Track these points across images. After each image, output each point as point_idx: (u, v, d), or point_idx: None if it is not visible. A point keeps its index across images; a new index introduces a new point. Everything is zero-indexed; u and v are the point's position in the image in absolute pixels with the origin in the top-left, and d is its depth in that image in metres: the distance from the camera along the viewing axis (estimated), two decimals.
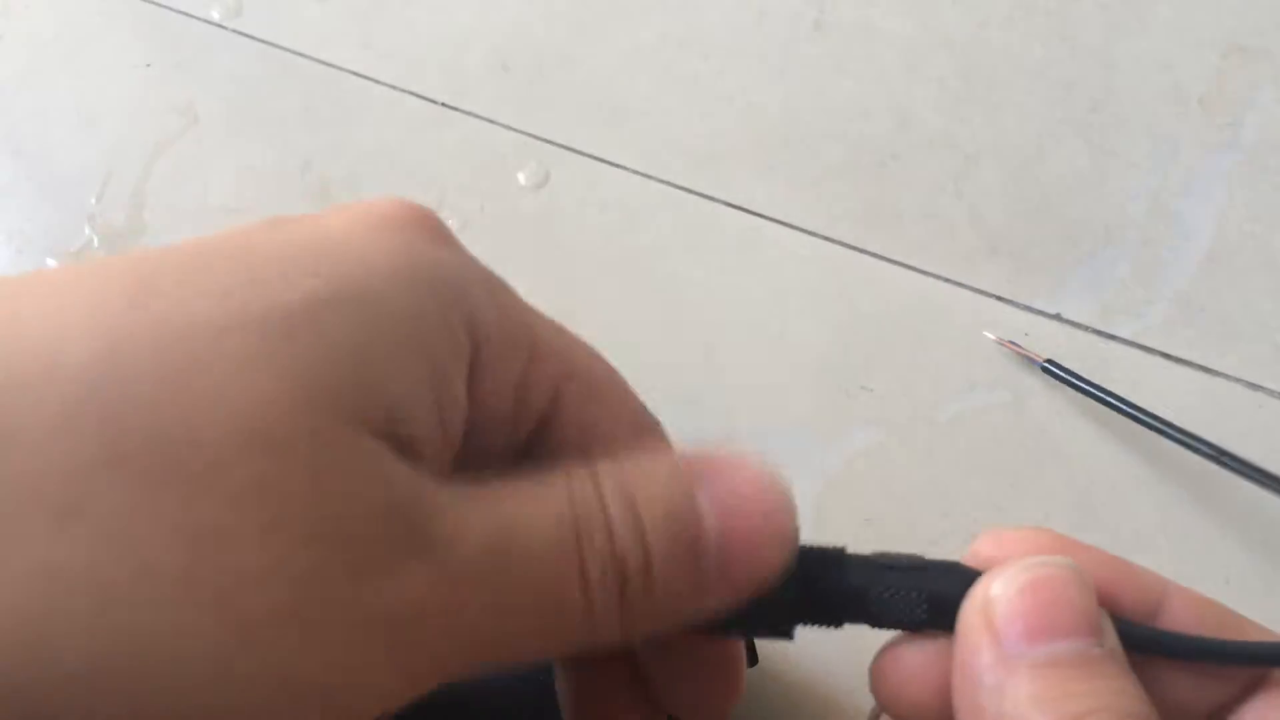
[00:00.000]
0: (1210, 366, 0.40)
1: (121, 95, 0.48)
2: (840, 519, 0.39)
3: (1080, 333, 0.41)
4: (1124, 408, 0.38)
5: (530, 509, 0.18)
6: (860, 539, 0.38)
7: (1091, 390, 0.39)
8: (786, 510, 0.20)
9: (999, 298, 0.42)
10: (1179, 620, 0.22)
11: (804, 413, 0.41)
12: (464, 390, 0.19)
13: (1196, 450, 0.36)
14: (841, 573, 0.22)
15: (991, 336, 0.41)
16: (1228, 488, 0.36)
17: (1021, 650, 0.19)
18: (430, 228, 0.20)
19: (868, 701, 0.26)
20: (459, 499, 0.18)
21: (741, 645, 0.26)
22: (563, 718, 0.26)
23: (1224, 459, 0.36)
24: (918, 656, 0.22)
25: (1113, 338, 0.41)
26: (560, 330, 0.21)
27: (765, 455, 0.20)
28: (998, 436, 0.40)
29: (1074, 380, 0.39)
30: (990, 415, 0.40)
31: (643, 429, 0.23)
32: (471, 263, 0.20)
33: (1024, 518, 0.38)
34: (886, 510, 0.39)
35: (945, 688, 0.21)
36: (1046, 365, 0.40)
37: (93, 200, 0.47)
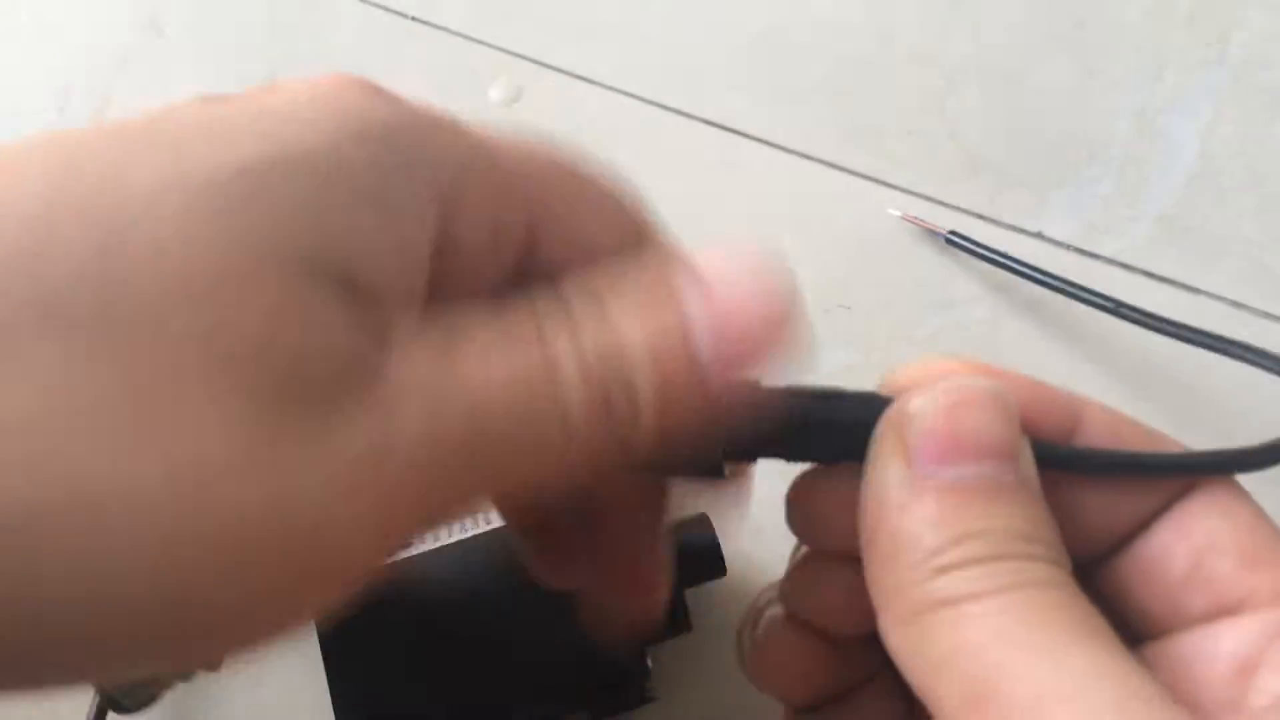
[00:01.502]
0: (1193, 285, 0.40)
1: (83, 6, 0.47)
2: None
3: (1062, 251, 0.40)
4: (1031, 273, 0.38)
5: (493, 347, 0.17)
6: None
7: (997, 258, 0.38)
8: (781, 284, 0.19)
9: (980, 216, 0.41)
10: (1096, 438, 0.21)
11: None
12: (427, 240, 0.18)
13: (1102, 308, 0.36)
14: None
15: (895, 213, 0.40)
16: (1204, 363, 0.35)
17: (931, 471, 0.19)
18: (373, 90, 0.19)
19: None
20: (412, 332, 0.17)
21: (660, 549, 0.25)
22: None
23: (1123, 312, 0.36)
24: (832, 484, 0.21)
25: (1095, 256, 0.40)
26: (530, 152, 0.21)
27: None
28: (975, 353, 0.39)
29: (979, 250, 0.39)
30: (968, 332, 0.39)
31: (634, 232, 0.22)
32: (422, 112, 0.19)
33: None
34: None
35: (857, 515, 0.20)
36: (950, 237, 0.39)
37: (54, 115, 0.45)
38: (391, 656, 0.30)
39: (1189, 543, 0.20)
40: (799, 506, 0.22)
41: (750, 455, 0.21)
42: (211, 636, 0.16)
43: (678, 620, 0.32)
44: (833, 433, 0.21)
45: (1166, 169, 0.41)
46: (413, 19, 0.45)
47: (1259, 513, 0.21)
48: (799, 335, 0.18)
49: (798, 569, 0.23)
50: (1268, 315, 0.39)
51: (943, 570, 0.18)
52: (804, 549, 0.24)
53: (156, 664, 0.16)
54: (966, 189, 0.41)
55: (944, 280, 0.40)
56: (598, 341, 0.17)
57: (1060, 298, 0.38)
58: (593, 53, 0.45)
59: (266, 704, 0.35)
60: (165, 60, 0.46)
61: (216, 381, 0.15)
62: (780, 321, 0.18)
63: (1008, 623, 0.17)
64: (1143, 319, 0.35)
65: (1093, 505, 0.21)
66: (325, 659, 0.30)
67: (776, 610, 0.24)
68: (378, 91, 0.19)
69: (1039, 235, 0.41)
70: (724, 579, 0.33)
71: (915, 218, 0.40)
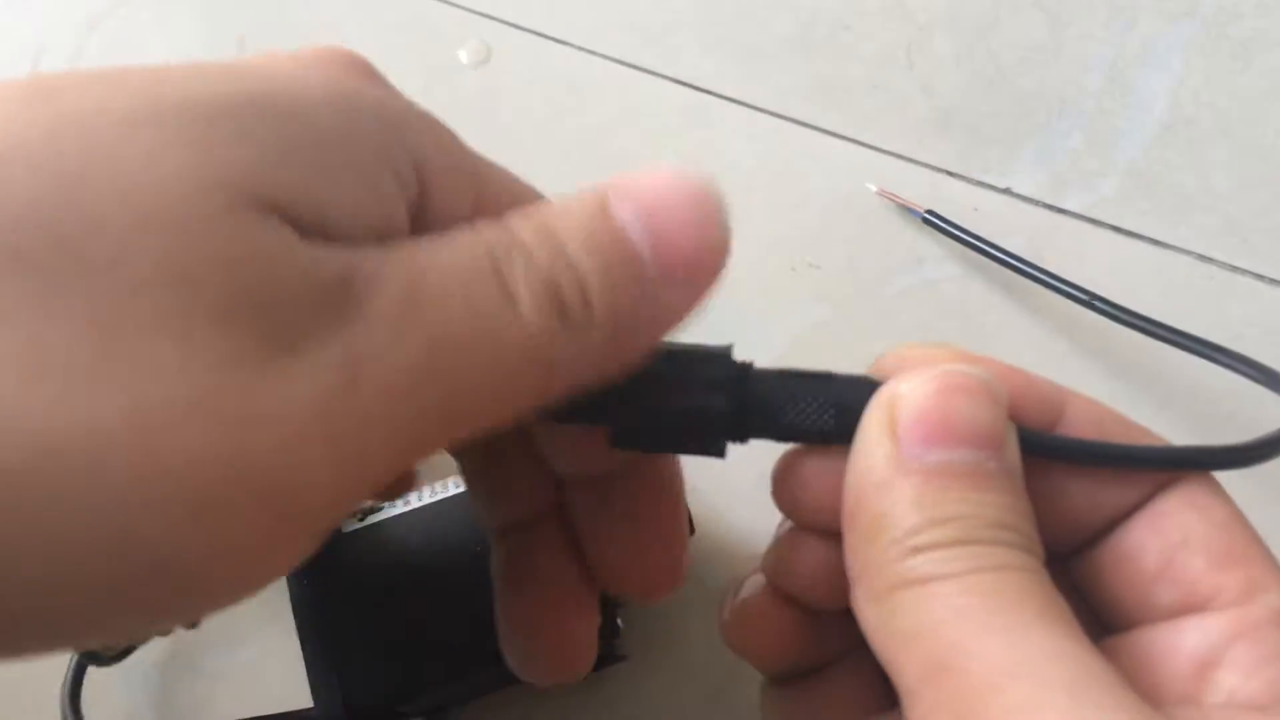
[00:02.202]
0: (1161, 239, 0.40)
1: None
2: None
3: (1030, 206, 0.40)
4: (1004, 257, 0.38)
5: (442, 251, 0.17)
6: None
7: (971, 241, 0.38)
8: (711, 195, 0.19)
9: (949, 172, 0.41)
10: (1079, 429, 0.22)
11: (753, 289, 0.40)
12: (403, 196, 0.18)
13: (1079, 299, 0.36)
14: (748, 384, 0.21)
15: (873, 188, 0.41)
16: (1169, 351, 0.35)
17: (917, 453, 0.19)
18: (368, 71, 0.19)
19: None
20: (371, 258, 0.17)
21: (684, 520, 0.26)
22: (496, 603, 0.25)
23: (1097, 304, 0.36)
24: (818, 462, 0.22)
25: (1063, 211, 0.40)
26: (509, 175, 0.21)
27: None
28: (945, 312, 0.39)
29: (954, 231, 0.39)
30: (938, 290, 0.39)
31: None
32: (412, 105, 0.19)
33: None
34: None
35: (840, 493, 0.21)
36: (926, 216, 0.39)
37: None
38: (364, 618, 0.31)
39: (1162, 538, 0.21)
40: (784, 482, 0.23)
41: (743, 436, 0.22)
42: (179, 590, 0.15)
43: None
44: (822, 414, 0.21)
45: (1136, 122, 0.41)
46: None
47: (1234, 511, 0.21)
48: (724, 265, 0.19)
49: (780, 541, 0.24)
50: (1235, 269, 0.39)
51: (917, 550, 0.18)
52: (788, 523, 0.24)
53: (124, 622, 0.16)
54: (937, 144, 0.41)
55: (914, 238, 0.40)
56: (541, 244, 0.18)
57: (1030, 255, 0.38)
58: (562, 13, 0.45)
59: (243, 662, 0.36)
60: (134, 21, 0.46)
61: (179, 320, 0.14)
62: (715, 246, 0.19)
63: (971, 603, 0.18)
64: (1114, 312, 0.35)
65: (1073, 495, 0.22)
66: (298, 622, 0.31)
67: (758, 579, 0.24)
68: (363, 69, 0.19)
69: (1008, 191, 0.41)
70: (693, 537, 0.33)
71: (892, 194, 0.40)
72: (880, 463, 0.19)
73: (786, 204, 0.41)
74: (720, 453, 0.22)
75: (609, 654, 0.33)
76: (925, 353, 0.21)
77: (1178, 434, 0.22)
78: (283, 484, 0.15)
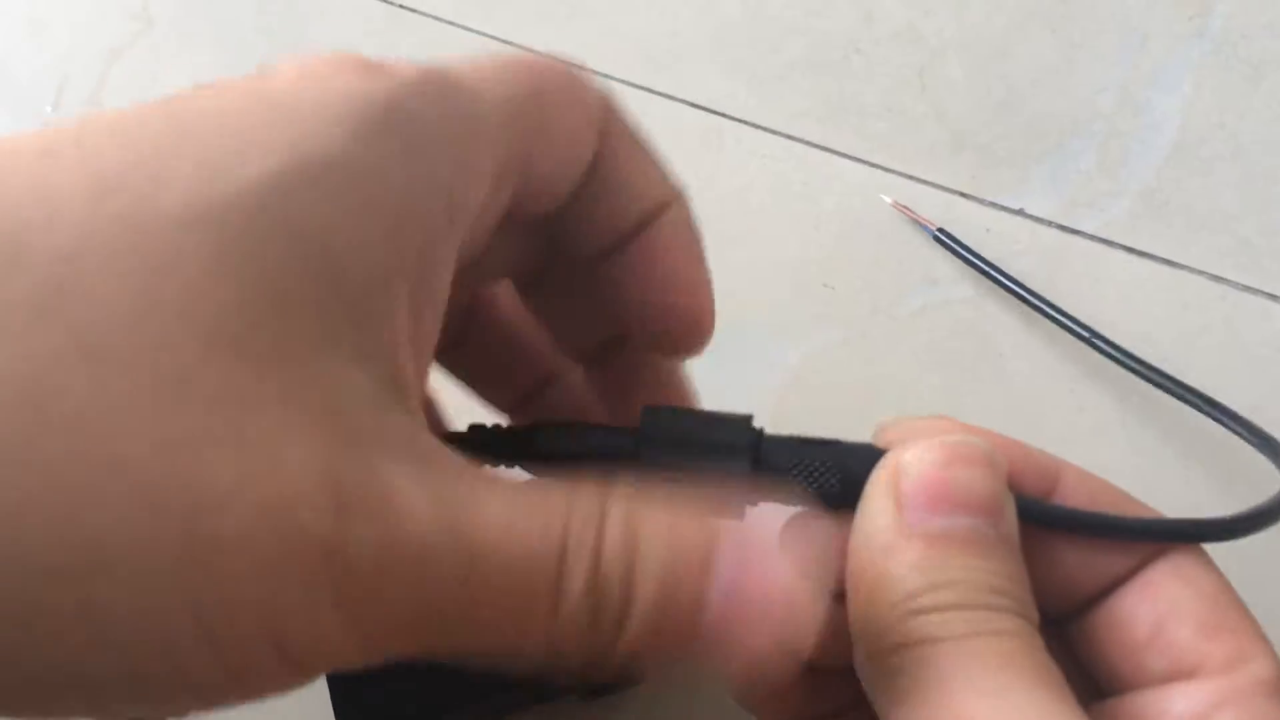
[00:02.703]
0: (1173, 260, 0.40)
1: (74, 1, 0.47)
2: (799, 414, 0.39)
3: (1043, 228, 0.41)
4: (1008, 283, 0.38)
5: (513, 517, 0.17)
6: (821, 434, 0.38)
7: (979, 263, 0.39)
8: (804, 628, 0.18)
9: (962, 194, 0.41)
10: (1073, 499, 0.23)
11: (766, 310, 0.40)
12: (445, 239, 0.19)
13: (1073, 331, 0.37)
14: (760, 449, 0.22)
15: (887, 200, 0.41)
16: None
17: (920, 519, 0.20)
18: (366, 67, 0.19)
19: None
20: (433, 470, 0.17)
21: (703, 263, 0.26)
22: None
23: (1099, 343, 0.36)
24: (822, 526, 0.22)
25: (1076, 232, 0.40)
26: (510, 85, 0.21)
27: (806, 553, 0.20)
28: (957, 332, 0.39)
29: (963, 252, 0.39)
30: (950, 311, 0.40)
31: (589, 116, 0.23)
32: (410, 79, 0.19)
33: (981, 413, 0.38)
34: (845, 406, 0.39)
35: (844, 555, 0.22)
36: (938, 234, 0.40)
37: (49, 109, 0.46)
38: None
39: (1153, 606, 0.22)
40: (792, 542, 0.23)
41: (756, 500, 0.23)
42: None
43: None
44: (829, 479, 0.22)
45: (1148, 143, 0.41)
46: (400, 6, 0.46)
47: (1221, 582, 0.22)
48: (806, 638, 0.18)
49: None
50: (1247, 289, 0.39)
51: (917, 612, 0.19)
52: None
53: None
54: (949, 166, 0.42)
55: (927, 259, 0.40)
56: (618, 558, 0.17)
57: (1043, 275, 0.39)
58: (577, 37, 0.45)
59: None
60: (156, 51, 0.46)
61: (240, 452, 0.15)
62: (772, 667, 0.18)
63: (965, 665, 0.19)
64: (1115, 354, 0.36)
65: (1068, 563, 0.22)
66: None
67: None
68: (371, 68, 0.19)
69: (1020, 212, 0.41)
70: None
71: (906, 207, 0.41)
72: (884, 527, 0.20)
73: (800, 225, 0.42)
74: (738, 517, 0.23)
75: (627, 676, 0.33)
76: (927, 424, 0.22)
77: (1188, 464, 0.22)
78: (308, 649, 0.16)
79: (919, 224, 0.40)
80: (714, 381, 0.39)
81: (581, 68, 0.23)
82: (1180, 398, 0.33)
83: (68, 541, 0.14)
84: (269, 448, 0.15)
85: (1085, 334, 0.36)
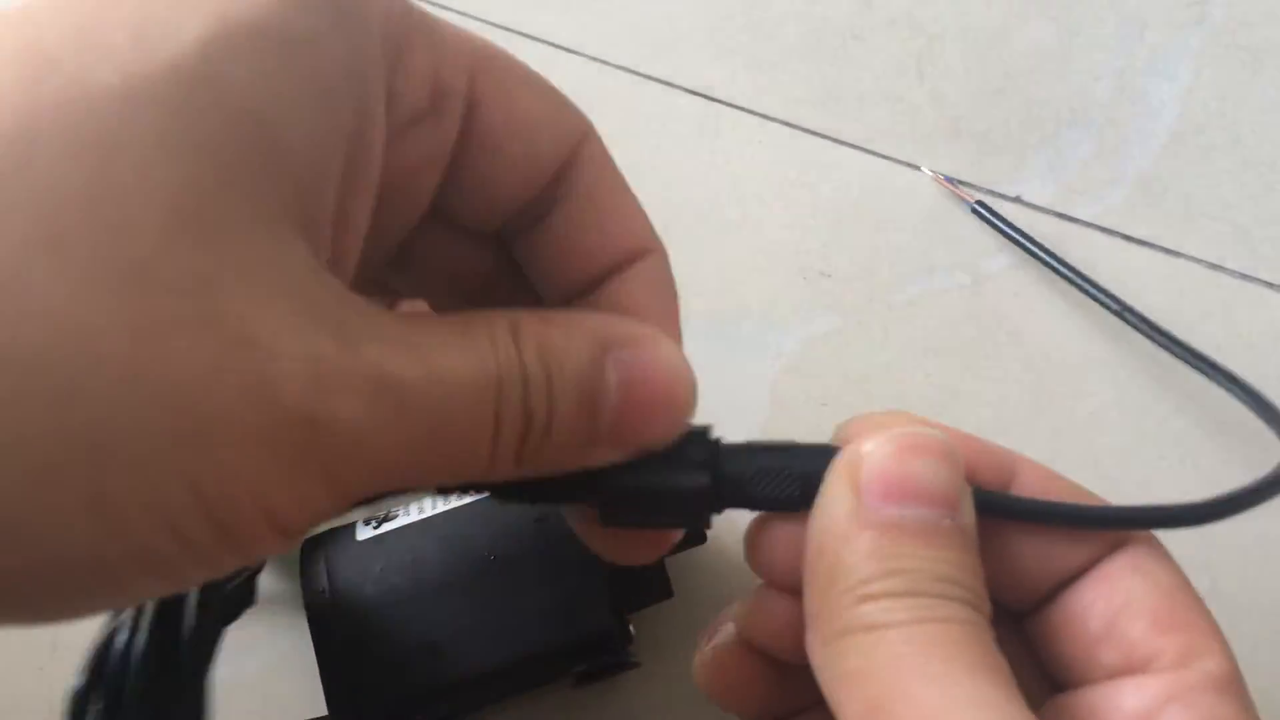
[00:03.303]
0: (1171, 247, 0.40)
1: None
2: (796, 402, 0.38)
3: (1040, 215, 0.41)
4: (1050, 260, 0.38)
5: (459, 363, 0.18)
6: (816, 421, 0.38)
7: (1019, 238, 0.39)
8: (686, 397, 0.21)
9: (960, 181, 0.41)
10: (1030, 492, 0.23)
11: (764, 297, 0.40)
12: (378, 126, 0.19)
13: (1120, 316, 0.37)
14: (718, 460, 0.22)
15: (928, 173, 0.41)
16: (1180, 365, 0.35)
17: (876, 507, 0.20)
18: None
19: None
20: (392, 338, 0.18)
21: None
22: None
23: (1128, 316, 0.37)
24: (786, 527, 0.23)
25: (1073, 220, 0.40)
26: (470, 34, 0.21)
27: (676, 347, 0.22)
28: (954, 319, 0.39)
29: (1001, 226, 0.39)
30: (948, 298, 0.40)
31: (562, 102, 0.23)
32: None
33: (979, 399, 0.38)
34: (842, 393, 0.39)
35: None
36: (976, 207, 0.40)
37: None
38: (378, 626, 0.31)
39: (1107, 601, 0.22)
40: (756, 545, 0.24)
41: (720, 509, 0.23)
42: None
43: (658, 586, 0.33)
44: (789, 485, 0.22)
45: (1146, 131, 0.41)
46: None
47: (1177, 575, 0.22)
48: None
49: (753, 596, 0.25)
50: (1245, 277, 0.39)
51: (868, 598, 0.20)
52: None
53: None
54: (947, 153, 0.42)
55: (924, 247, 0.40)
56: (539, 377, 0.19)
57: (1039, 266, 0.39)
58: (575, 23, 0.45)
59: (254, 671, 0.36)
60: None
61: (209, 332, 0.15)
62: (681, 406, 0.21)
63: (911, 650, 0.19)
64: (1146, 329, 0.36)
65: (1025, 555, 0.23)
66: (314, 634, 0.31)
67: (729, 628, 0.25)
68: None
69: (1017, 199, 0.41)
70: (704, 547, 0.34)
71: (945, 179, 0.41)
72: (841, 515, 0.20)
73: (797, 212, 0.41)
74: (703, 527, 0.23)
75: (621, 661, 0.33)
76: (885, 418, 0.22)
77: (1191, 449, 0.22)
78: (279, 502, 0.17)
79: (959, 198, 0.40)
80: (712, 368, 0.39)
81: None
82: (1202, 372, 0.33)
83: (65, 437, 0.14)
84: (239, 328, 0.16)
85: (1115, 307, 0.37)
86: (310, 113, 0.17)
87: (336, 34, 0.18)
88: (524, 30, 0.45)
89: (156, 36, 0.16)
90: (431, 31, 0.20)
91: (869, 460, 0.20)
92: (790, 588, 0.23)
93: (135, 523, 0.15)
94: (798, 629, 0.22)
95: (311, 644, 0.31)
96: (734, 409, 0.38)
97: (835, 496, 0.21)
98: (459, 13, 0.45)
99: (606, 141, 0.43)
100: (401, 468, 0.18)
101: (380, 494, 0.19)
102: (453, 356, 0.18)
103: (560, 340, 0.20)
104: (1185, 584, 0.22)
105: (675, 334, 0.24)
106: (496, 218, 0.23)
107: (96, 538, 0.15)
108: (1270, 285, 0.39)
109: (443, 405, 0.18)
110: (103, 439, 0.15)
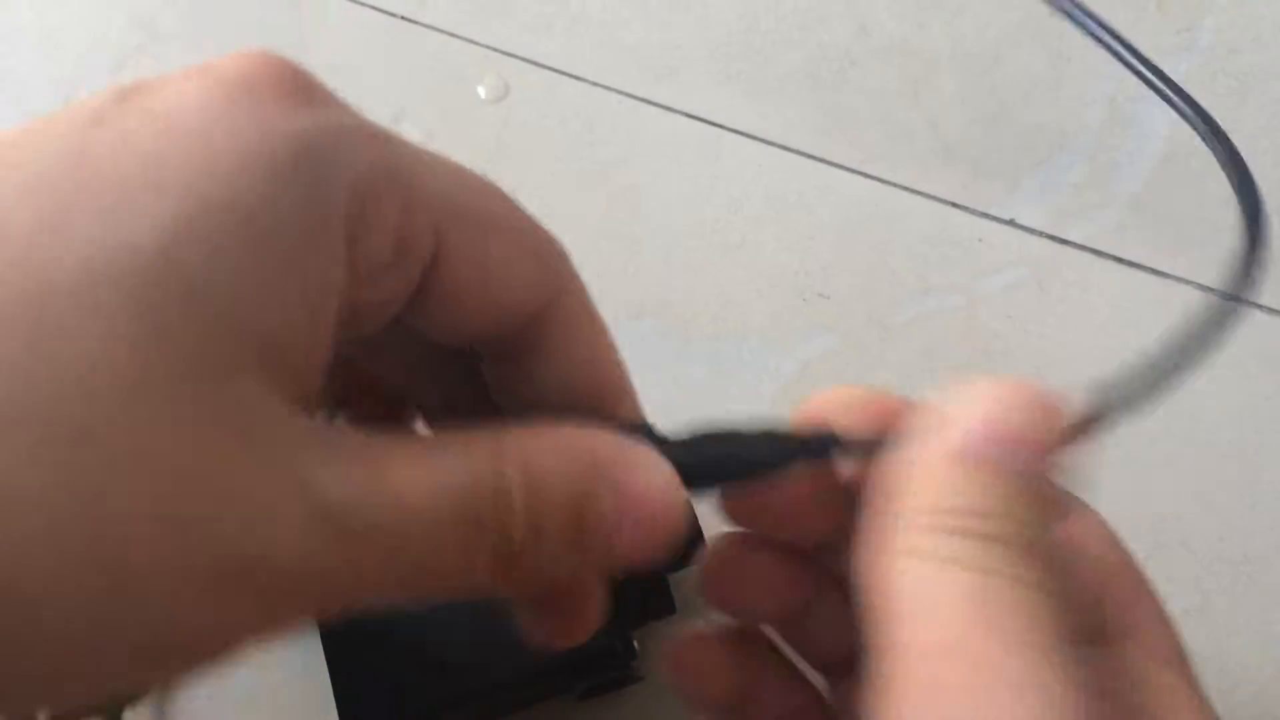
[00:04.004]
0: (1162, 269, 0.41)
1: (83, 11, 0.48)
2: None
3: (1033, 238, 0.41)
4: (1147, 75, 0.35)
5: (426, 485, 0.18)
6: None
7: (1110, 42, 0.37)
8: (678, 519, 0.21)
9: (954, 204, 0.42)
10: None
11: (763, 319, 0.41)
12: (338, 287, 0.19)
13: None
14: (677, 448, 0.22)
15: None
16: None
17: (989, 449, 0.20)
18: (286, 88, 0.19)
19: None
20: (345, 460, 0.18)
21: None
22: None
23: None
24: (748, 555, 0.24)
25: (1066, 242, 0.41)
26: (446, 169, 0.21)
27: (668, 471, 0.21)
28: (950, 340, 0.40)
29: (1091, 25, 0.37)
30: (943, 319, 0.41)
31: (540, 256, 0.22)
32: (330, 115, 0.19)
33: None
34: None
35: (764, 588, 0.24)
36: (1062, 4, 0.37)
37: None
38: (389, 643, 0.32)
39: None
40: (715, 574, 0.25)
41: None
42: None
43: (660, 602, 0.34)
44: (736, 472, 0.22)
45: (1136, 156, 0.42)
46: (402, 18, 0.47)
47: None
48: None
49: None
50: (1235, 299, 0.40)
51: (951, 531, 0.19)
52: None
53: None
54: (942, 177, 0.43)
55: (921, 269, 0.41)
56: (523, 506, 0.19)
57: (1033, 284, 0.39)
58: (577, 50, 0.46)
59: (267, 684, 0.37)
60: (161, 61, 0.47)
61: (152, 503, 0.16)
62: (674, 529, 0.21)
63: (998, 608, 0.18)
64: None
65: None
66: (326, 649, 0.32)
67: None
68: (290, 96, 0.18)
69: (1011, 222, 0.42)
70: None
71: None
72: (945, 447, 0.20)
73: (796, 235, 0.42)
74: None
75: (626, 675, 0.34)
76: (845, 392, 0.23)
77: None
78: (210, 628, 0.17)
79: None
80: (712, 388, 0.40)
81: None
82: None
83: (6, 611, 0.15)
84: (174, 474, 0.16)
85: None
86: (266, 284, 0.17)
87: (301, 204, 0.18)
88: (530, 58, 0.46)
89: (124, 220, 0.16)
90: (403, 183, 0.20)
91: (984, 402, 0.20)
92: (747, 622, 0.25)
93: (69, 668, 0.16)
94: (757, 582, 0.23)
95: (324, 659, 0.31)
96: None
97: (945, 433, 0.20)
98: (465, 39, 0.46)
99: (610, 164, 0.44)
100: (355, 591, 0.18)
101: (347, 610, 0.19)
102: (419, 478, 0.18)
103: (548, 460, 0.19)
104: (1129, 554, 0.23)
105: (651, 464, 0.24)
106: (464, 344, 0.23)
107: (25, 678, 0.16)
108: (1261, 307, 0.40)
109: (401, 529, 0.18)
110: (37, 615, 0.15)
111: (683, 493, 0.21)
